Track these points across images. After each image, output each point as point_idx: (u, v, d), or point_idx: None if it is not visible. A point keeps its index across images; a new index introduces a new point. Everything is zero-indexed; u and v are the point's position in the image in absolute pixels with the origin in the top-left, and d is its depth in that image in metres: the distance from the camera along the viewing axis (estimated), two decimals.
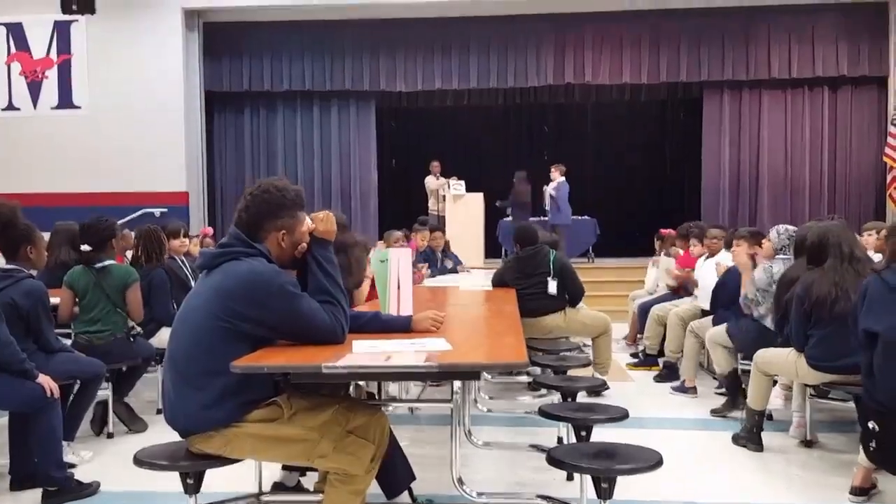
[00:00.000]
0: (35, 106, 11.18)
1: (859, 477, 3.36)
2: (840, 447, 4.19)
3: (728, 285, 5.28)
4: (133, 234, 5.66)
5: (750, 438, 4.18)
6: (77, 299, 4.50)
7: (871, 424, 3.12)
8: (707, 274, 5.81)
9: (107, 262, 4.52)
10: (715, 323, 5.37)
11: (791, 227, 4.89)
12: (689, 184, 12.76)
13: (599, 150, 13.92)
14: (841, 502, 3.36)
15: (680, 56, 11.52)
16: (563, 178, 11.16)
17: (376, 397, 3.77)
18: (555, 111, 13.95)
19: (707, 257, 6.03)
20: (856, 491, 3.35)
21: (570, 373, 4.08)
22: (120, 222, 8.45)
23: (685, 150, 12.90)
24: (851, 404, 4.04)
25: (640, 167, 13.91)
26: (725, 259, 5.62)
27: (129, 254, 5.69)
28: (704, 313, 5.69)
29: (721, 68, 11.57)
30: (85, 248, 4.48)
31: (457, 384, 2.81)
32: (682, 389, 5.55)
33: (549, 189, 11.20)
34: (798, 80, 11.73)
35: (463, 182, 11.36)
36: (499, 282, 5.60)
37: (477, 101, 12.91)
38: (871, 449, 3.14)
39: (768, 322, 4.62)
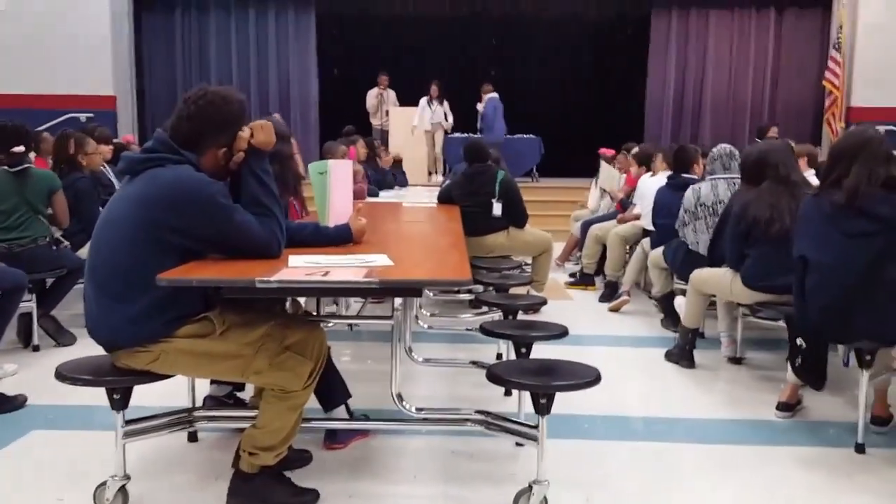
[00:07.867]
0: None
1: (786, 393, 3.48)
2: (768, 364, 4.32)
3: (659, 204, 5.34)
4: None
5: (682, 356, 4.27)
6: None
7: (798, 341, 3.23)
8: (647, 193, 5.83)
9: (26, 165, 4.25)
10: (653, 243, 5.43)
11: (722, 147, 4.81)
12: (634, 103, 12.75)
13: (546, 66, 13.68)
14: (768, 417, 3.48)
15: None
16: (494, 94, 10.92)
17: (315, 313, 3.69)
18: (503, 24, 13.57)
19: (651, 175, 6.05)
20: (782, 406, 3.47)
21: (511, 291, 4.09)
22: (43, 127, 8.02)
23: (631, 70, 12.83)
24: (780, 324, 4.15)
25: (585, 86, 13.78)
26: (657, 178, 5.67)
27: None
28: (646, 233, 5.74)
29: None
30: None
31: (398, 301, 2.74)
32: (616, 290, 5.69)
33: (479, 106, 11.05)
34: (745, 1, 11.70)
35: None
36: (445, 197, 5.52)
37: (423, 10, 12.46)
38: (797, 364, 3.25)
39: (693, 243, 4.66)
